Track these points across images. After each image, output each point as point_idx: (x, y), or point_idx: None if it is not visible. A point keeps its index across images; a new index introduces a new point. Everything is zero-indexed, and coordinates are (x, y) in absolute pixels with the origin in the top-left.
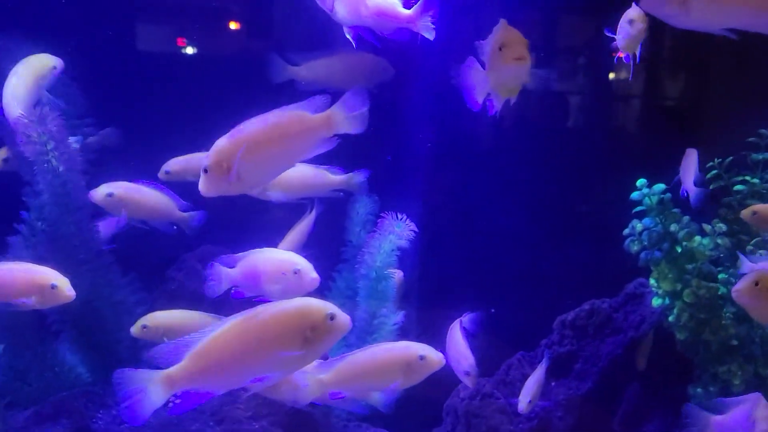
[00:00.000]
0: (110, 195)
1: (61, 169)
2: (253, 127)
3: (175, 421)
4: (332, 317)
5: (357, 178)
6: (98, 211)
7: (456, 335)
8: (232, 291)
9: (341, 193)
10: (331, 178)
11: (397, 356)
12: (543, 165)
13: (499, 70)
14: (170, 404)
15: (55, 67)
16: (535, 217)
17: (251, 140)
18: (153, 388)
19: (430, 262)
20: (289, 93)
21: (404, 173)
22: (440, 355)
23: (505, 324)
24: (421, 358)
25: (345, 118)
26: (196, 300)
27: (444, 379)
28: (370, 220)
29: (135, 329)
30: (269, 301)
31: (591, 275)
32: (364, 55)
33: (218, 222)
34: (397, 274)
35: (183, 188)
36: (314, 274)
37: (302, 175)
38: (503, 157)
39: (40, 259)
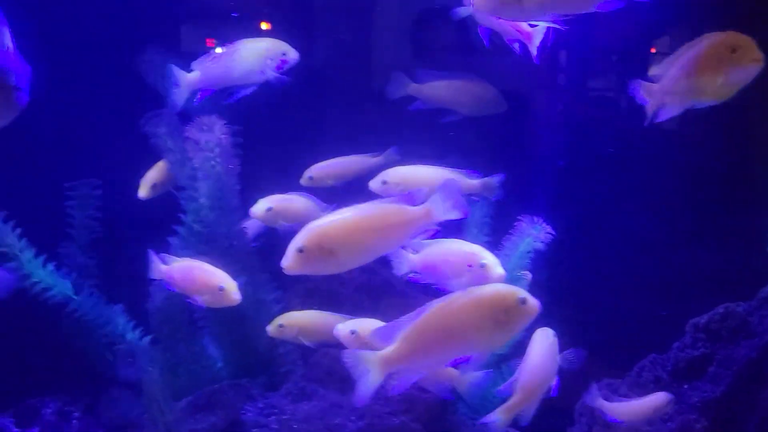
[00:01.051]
0: (269, 209)
1: (221, 175)
2: (353, 215)
3: (319, 415)
4: (523, 301)
5: (492, 182)
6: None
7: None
8: (408, 276)
9: (476, 198)
10: (468, 182)
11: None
12: (674, 165)
13: (727, 74)
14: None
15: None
16: (666, 220)
17: (351, 228)
18: (373, 369)
19: (559, 265)
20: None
21: (528, 176)
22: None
23: (635, 326)
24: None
25: (442, 211)
26: (331, 299)
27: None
28: (487, 223)
29: (272, 328)
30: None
31: (724, 279)
32: (485, 85)
33: None
34: (527, 276)
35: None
36: (501, 270)
37: (438, 178)
38: (632, 158)
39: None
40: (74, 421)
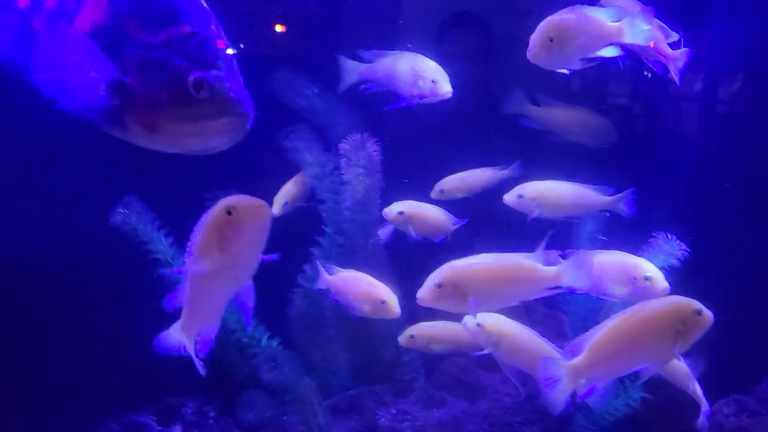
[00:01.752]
0: (401, 213)
1: (367, 189)
2: (491, 263)
3: (451, 422)
4: (699, 312)
5: (624, 199)
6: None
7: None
8: None
9: (608, 214)
10: (601, 198)
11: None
12: None
13: None
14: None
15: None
16: None
17: (487, 275)
18: (565, 378)
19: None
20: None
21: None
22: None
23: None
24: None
25: (571, 278)
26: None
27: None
28: (598, 239)
29: (403, 338)
30: None
31: None
32: (599, 117)
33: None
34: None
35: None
36: (665, 283)
37: (573, 193)
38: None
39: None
40: (211, 421)
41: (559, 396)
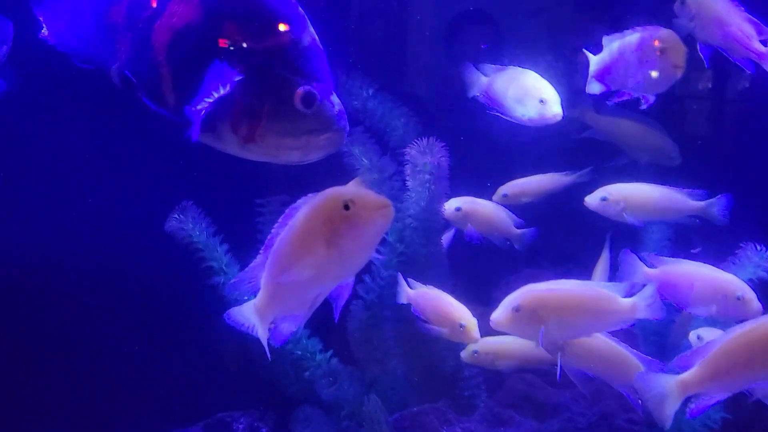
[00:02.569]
0: (458, 209)
1: (433, 197)
2: (571, 291)
3: None
4: None
5: (717, 205)
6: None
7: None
8: None
9: (697, 220)
10: (691, 203)
11: None
12: None
13: None
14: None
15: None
16: None
17: (566, 303)
18: (673, 393)
19: None
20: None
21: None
22: None
23: None
24: None
25: (645, 308)
26: None
27: None
28: (666, 246)
29: (466, 354)
30: None
31: None
32: (663, 136)
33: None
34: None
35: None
36: (758, 304)
37: (662, 197)
38: None
39: None
40: None
41: (667, 413)
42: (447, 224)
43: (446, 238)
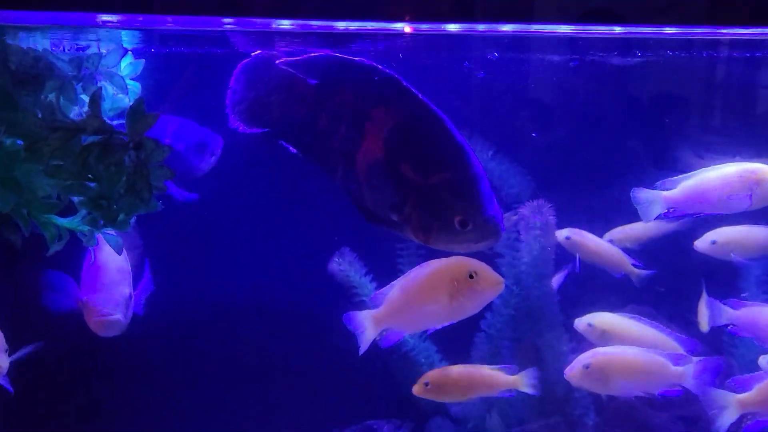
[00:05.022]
0: (567, 238)
1: (543, 247)
2: (634, 356)
3: None
4: None
5: None
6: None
7: None
8: (729, 327)
9: None
10: None
11: None
12: None
13: None
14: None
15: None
16: None
17: (628, 365)
18: (730, 408)
19: None
20: None
21: None
22: None
23: None
24: None
25: (692, 383)
26: None
27: None
28: (765, 281)
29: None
30: None
31: None
32: None
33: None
34: None
35: None
36: None
37: (759, 235)
38: None
39: None
40: None
41: (724, 423)
42: (557, 269)
43: (556, 280)
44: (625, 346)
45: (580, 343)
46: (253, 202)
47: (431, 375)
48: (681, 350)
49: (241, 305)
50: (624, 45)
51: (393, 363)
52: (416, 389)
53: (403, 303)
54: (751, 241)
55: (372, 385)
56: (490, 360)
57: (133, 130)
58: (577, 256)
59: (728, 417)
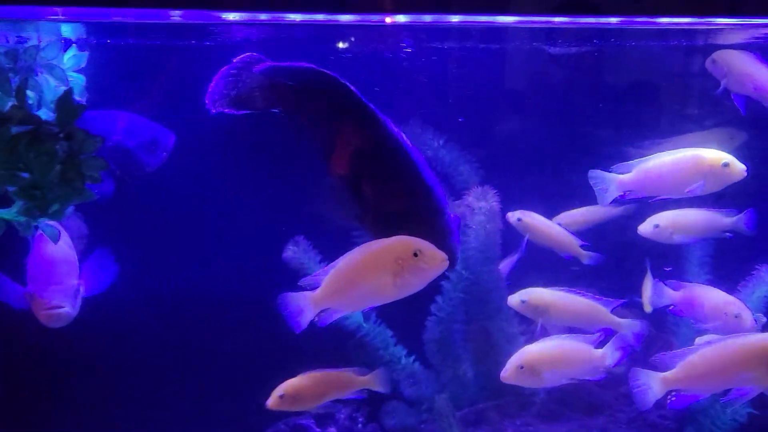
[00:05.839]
0: (519, 220)
1: (489, 233)
2: (559, 347)
3: None
4: None
5: (744, 220)
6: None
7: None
8: (670, 308)
9: (730, 235)
10: (725, 220)
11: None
12: None
13: None
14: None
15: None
16: None
17: (557, 357)
18: (655, 386)
19: None
20: None
21: None
22: None
23: None
24: None
25: (611, 357)
26: None
27: None
28: (707, 262)
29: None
30: None
31: None
32: None
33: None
34: (762, 319)
35: None
36: (752, 322)
37: (703, 219)
38: None
39: None
40: (360, 426)
41: (648, 400)
42: (505, 254)
43: (506, 264)
44: (550, 339)
45: (530, 324)
46: (205, 193)
47: (285, 387)
48: (615, 320)
49: (195, 295)
50: (567, 35)
51: (349, 348)
52: (271, 403)
53: (344, 282)
54: (691, 224)
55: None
56: (440, 343)
57: (61, 119)
58: (526, 237)
59: (653, 395)
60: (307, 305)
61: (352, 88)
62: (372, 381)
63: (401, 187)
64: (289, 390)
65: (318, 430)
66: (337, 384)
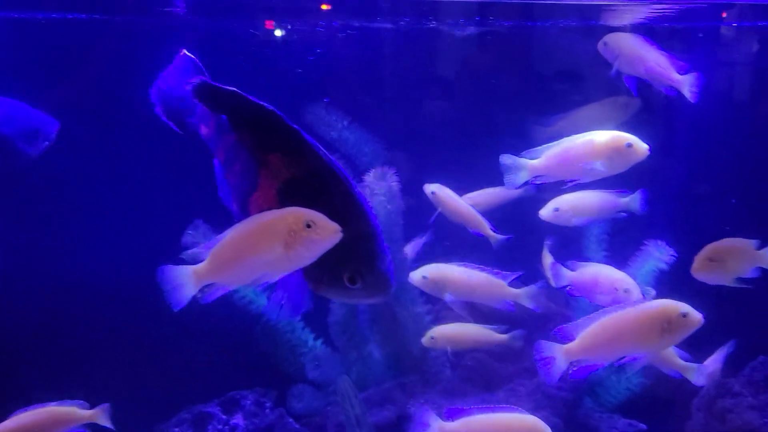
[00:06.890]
0: (433, 193)
1: (390, 213)
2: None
3: None
4: (685, 314)
5: (637, 199)
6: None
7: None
8: (568, 288)
9: (625, 214)
10: (620, 201)
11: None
12: None
13: None
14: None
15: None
16: None
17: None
18: (559, 358)
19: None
20: None
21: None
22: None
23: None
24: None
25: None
26: (482, 313)
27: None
28: (605, 239)
29: (425, 339)
30: None
31: None
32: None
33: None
34: (652, 292)
35: None
36: (639, 296)
37: (600, 200)
38: None
39: None
40: (267, 411)
41: (554, 372)
42: (409, 237)
43: (413, 246)
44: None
45: (435, 304)
46: (98, 182)
47: None
48: (513, 291)
49: (94, 283)
50: (467, 12)
51: (256, 333)
52: None
53: (232, 254)
54: (589, 206)
55: (235, 357)
56: (345, 325)
57: None
58: (438, 211)
59: (557, 366)
60: (189, 279)
61: (280, 114)
62: (95, 416)
63: (334, 214)
64: None
65: (224, 417)
66: (53, 423)
